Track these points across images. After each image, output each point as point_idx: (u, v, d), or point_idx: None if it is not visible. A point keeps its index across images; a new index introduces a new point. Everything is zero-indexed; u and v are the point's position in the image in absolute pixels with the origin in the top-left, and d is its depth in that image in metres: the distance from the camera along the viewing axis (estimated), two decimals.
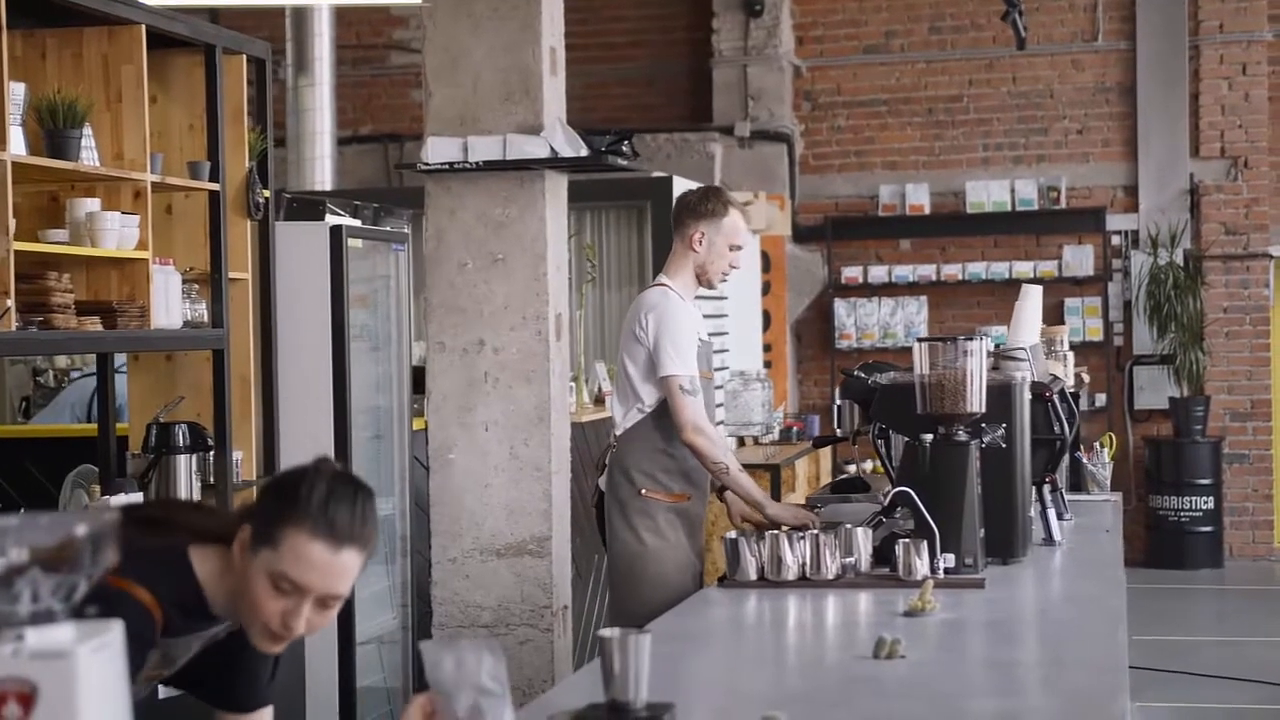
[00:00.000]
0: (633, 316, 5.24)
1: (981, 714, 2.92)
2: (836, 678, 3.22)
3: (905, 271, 12.80)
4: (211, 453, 5.59)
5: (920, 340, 4.46)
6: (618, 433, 5.26)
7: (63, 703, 1.73)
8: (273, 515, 2.57)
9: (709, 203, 5.30)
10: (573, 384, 7.50)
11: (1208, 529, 12.23)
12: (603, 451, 5.44)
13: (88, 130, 4.91)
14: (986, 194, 12.70)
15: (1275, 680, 8.49)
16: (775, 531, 4.33)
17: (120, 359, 6.06)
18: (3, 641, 1.74)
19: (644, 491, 5.16)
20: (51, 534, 1.79)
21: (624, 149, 6.08)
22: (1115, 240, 12.68)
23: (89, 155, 4.92)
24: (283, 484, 2.62)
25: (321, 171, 10.23)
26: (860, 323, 12.89)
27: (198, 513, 2.75)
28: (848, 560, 4.26)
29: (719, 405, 9.90)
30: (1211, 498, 12.21)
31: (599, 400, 8.08)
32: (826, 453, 11.50)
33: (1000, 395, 4.52)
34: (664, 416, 5.14)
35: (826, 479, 10.89)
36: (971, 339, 4.41)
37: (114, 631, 1.81)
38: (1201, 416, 12.24)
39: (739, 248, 5.32)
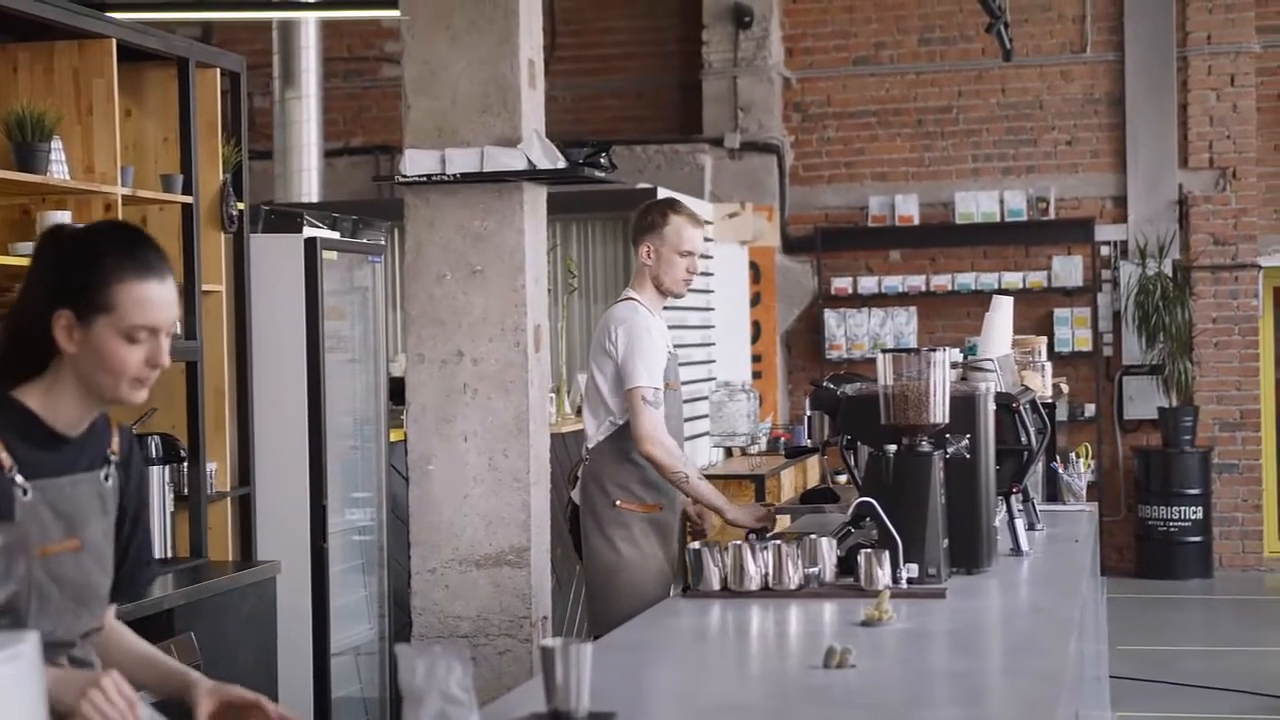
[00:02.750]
0: (602, 331, 5.36)
1: None
2: (785, 687, 3.23)
3: (895, 282, 12.82)
4: (185, 464, 5.60)
5: (884, 351, 4.48)
6: (589, 445, 5.35)
7: None
8: (89, 284, 2.65)
9: (649, 216, 5.49)
10: (553, 395, 7.53)
11: (1197, 539, 12.23)
12: (574, 465, 5.48)
13: (57, 143, 4.93)
14: (976, 205, 12.72)
15: (1262, 691, 8.50)
16: (739, 541, 4.34)
17: None
18: None
19: (618, 503, 5.23)
20: None
21: (602, 161, 6.10)
22: (1104, 251, 12.69)
23: (58, 168, 4.94)
24: (71, 256, 2.68)
25: (308, 184, 10.25)
26: (850, 333, 12.91)
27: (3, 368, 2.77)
28: (811, 570, 4.27)
29: (703, 417, 9.92)
30: (1200, 508, 12.21)
31: (580, 411, 8.08)
32: (814, 463, 11.51)
33: (964, 406, 4.53)
34: None
35: None
36: (935, 350, 4.43)
37: (29, 643, 1.82)
38: (1190, 427, 12.25)
39: (689, 254, 5.43)
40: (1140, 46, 12.61)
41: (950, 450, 4.49)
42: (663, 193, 10.01)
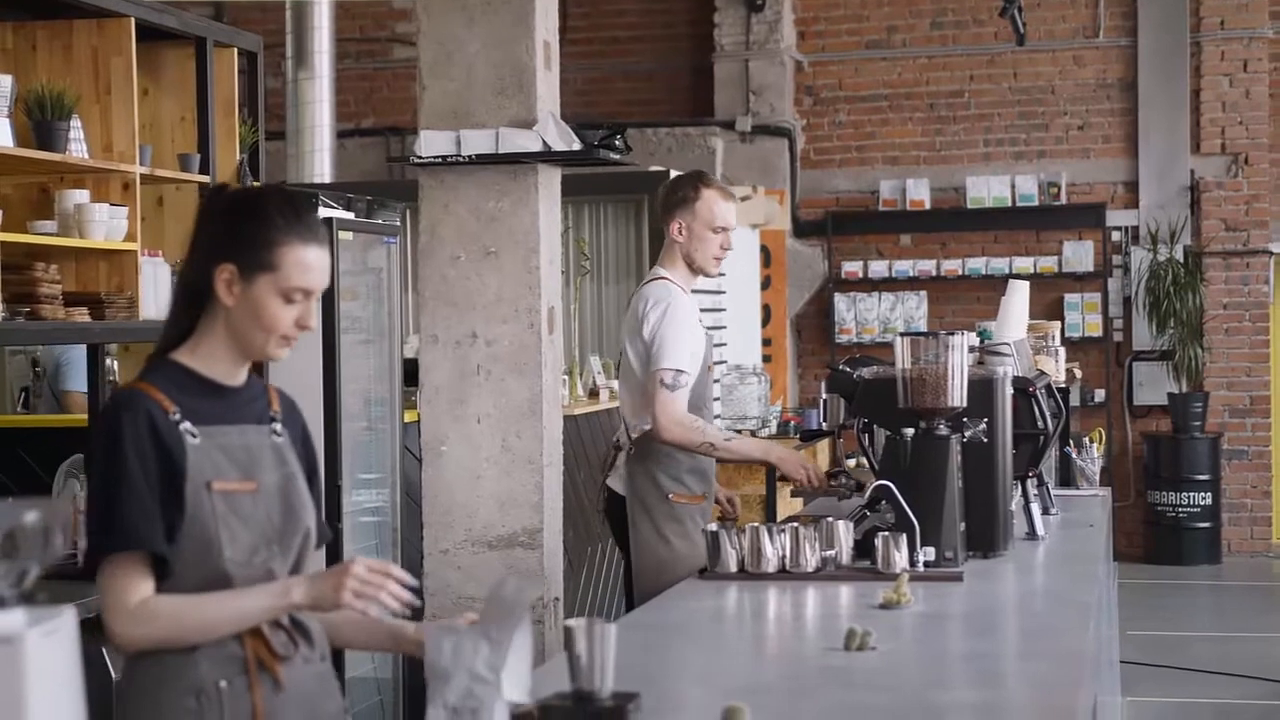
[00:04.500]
0: (635, 313, 5.21)
1: (945, 705, 2.94)
2: (805, 669, 3.24)
3: (905, 267, 12.81)
4: None
5: (902, 335, 4.47)
6: (633, 434, 5.18)
7: (10, 686, 1.74)
8: (256, 245, 2.78)
9: (679, 190, 5.31)
10: (566, 377, 7.53)
11: (1206, 525, 12.23)
12: (609, 453, 5.36)
13: (75, 122, 4.94)
14: (987, 189, 12.71)
15: (1271, 676, 8.50)
16: (756, 524, 4.34)
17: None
18: None
19: (671, 496, 5.12)
20: (1, 522, 1.81)
21: (617, 143, 6.09)
22: (1115, 236, 12.69)
23: (77, 147, 4.94)
24: (242, 215, 2.81)
25: (320, 164, 10.24)
26: (860, 318, 12.91)
27: (165, 334, 2.90)
28: (828, 553, 4.27)
29: (715, 399, 9.92)
30: (1210, 493, 12.22)
31: (593, 393, 8.10)
32: (825, 446, 11.52)
33: (982, 390, 4.53)
34: None
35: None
36: (954, 334, 4.42)
37: (65, 617, 1.83)
38: (1200, 412, 12.25)
39: (722, 229, 5.25)
40: (1153, 32, 12.59)
41: (968, 434, 4.48)
42: (677, 174, 10.01)
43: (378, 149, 13.11)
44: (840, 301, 12.89)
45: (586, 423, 7.50)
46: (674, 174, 9.93)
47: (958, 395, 4.39)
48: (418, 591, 5.86)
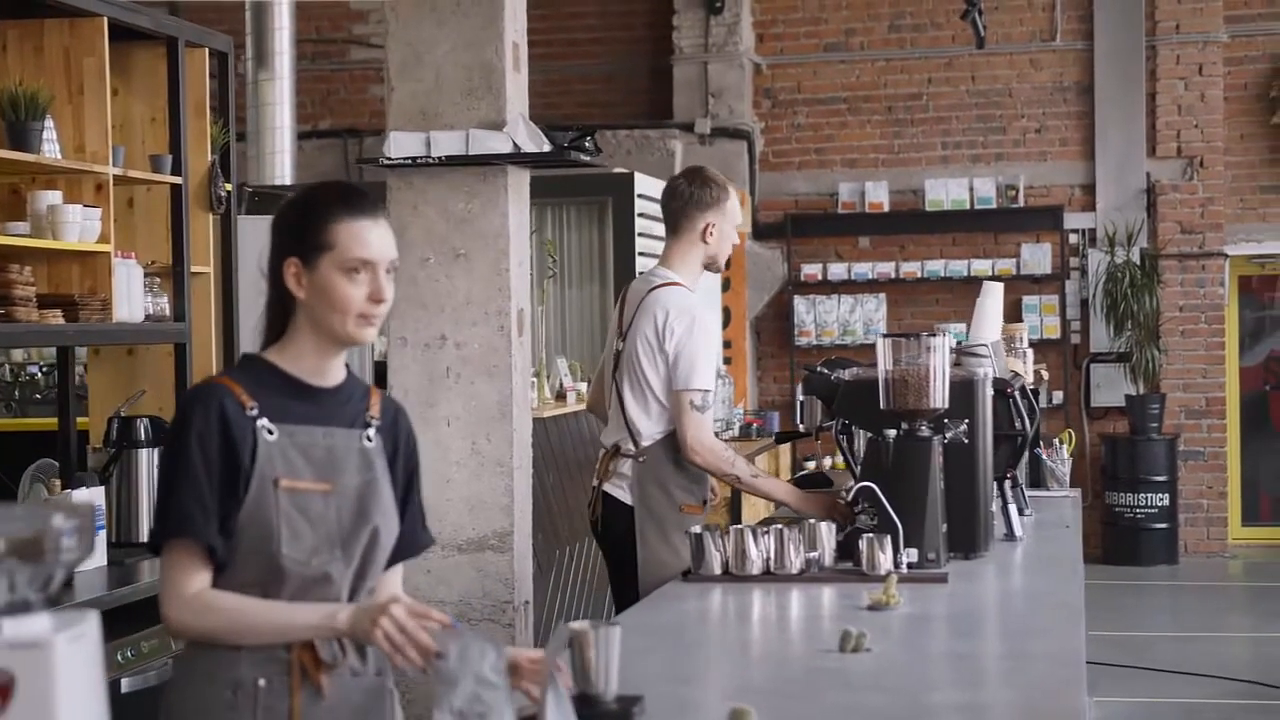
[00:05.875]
0: (652, 320, 4.94)
1: (946, 706, 2.94)
2: (802, 671, 3.24)
3: (864, 269, 12.85)
4: None
5: (884, 336, 4.48)
6: (644, 442, 4.98)
7: (40, 693, 1.72)
8: (312, 230, 2.85)
9: (711, 190, 5.05)
10: (534, 379, 7.50)
11: (1163, 525, 12.32)
12: (604, 456, 5.12)
13: (49, 122, 4.89)
14: (945, 192, 12.76)
15: (1228, 675, 8.57)
16: (740, 526, 4.33)
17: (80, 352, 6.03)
18: None
19: (683, 507, 4.97)
20: (28, 524, 1.78)
21: (587, 145, 6.09)
22: (1073, 239, 12.76)
23: (50, 148, 4.89)
24: (295, 209, 2.91)
25: (281, 166, 10.18)
26: (820, 320, 12.94)
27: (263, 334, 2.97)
28: (811, 555, 4.28)
29: None
30: (1167, 494, 12.31)
31: (560, 396, 8.08)
32: (787, 449, 11.54)
33: (963, 391, 4.54)
34: None
35: (787, 474, 10.92)
36: (935, 335, 4.43)
37: (90, 621, 1.80)
38: (1157, 414, 12.34)
39: (738, 225, 5.14)
40: (1109, 35, 12.67)
41: (949, 435, 4.49)
42: (643, 178, 10.02)
43: (335, 151, 13.06)
44: (800, 304, 12.92)
45: (555, 425, 7.49)
46: (638, 176, 9.97)
47: (940, 397, 4.40)
48: None
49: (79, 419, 5.82)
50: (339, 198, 2.89)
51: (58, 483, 5.45)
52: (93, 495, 4.86)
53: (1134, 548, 12.25)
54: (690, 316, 4.90)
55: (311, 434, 2.86)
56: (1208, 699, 8.17)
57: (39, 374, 9.37)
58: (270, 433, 2.82)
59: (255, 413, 2.82)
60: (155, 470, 5.51)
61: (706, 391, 4.88)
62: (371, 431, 2.92)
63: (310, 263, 2.84)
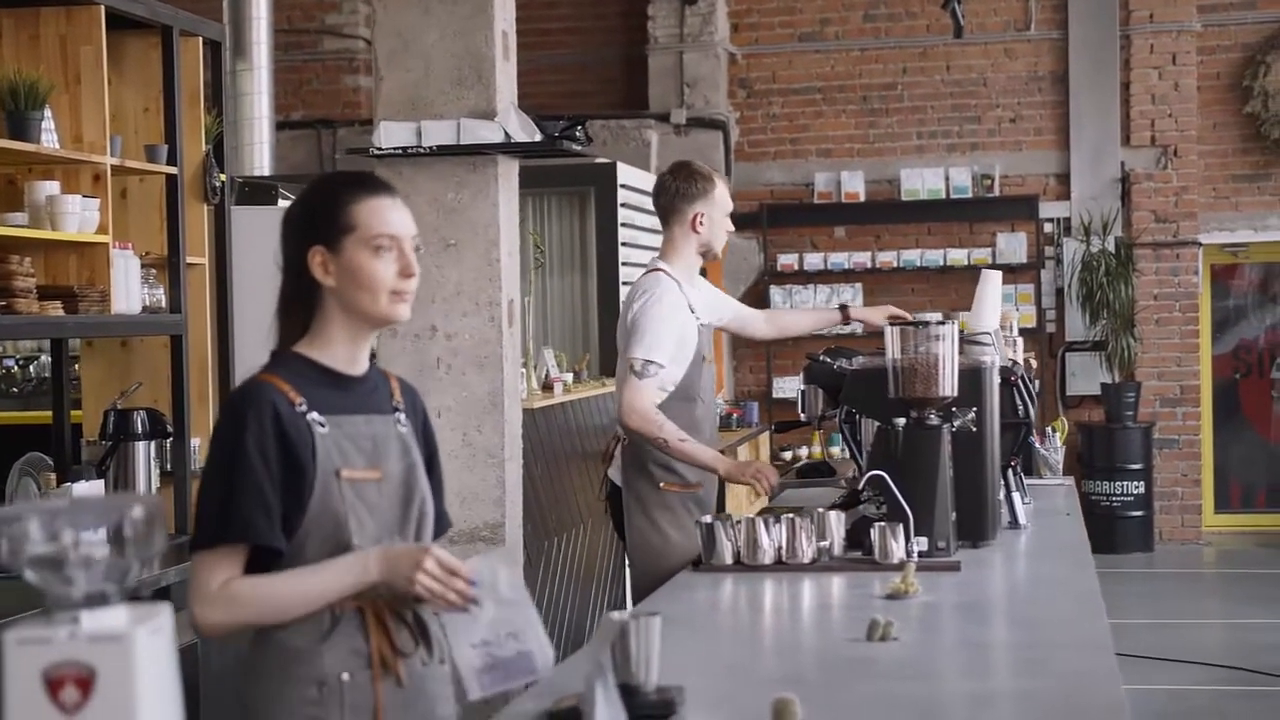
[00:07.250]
0: (625, 304, 5.20)
1: (986, 694, 2.94)
2: (832, 660, 3.23)
3: (841, 259, 12.86)
4: (170, 440, 5.52)
5: (892, 324, 4.47)
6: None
7: (120, 685, 1.71)
8: (332, 215, 2.84)
9: (696, 183, 5.26)
10: (523, 370, 7.48)
11: (1138, 513, 12.37)
12: (610, 443, 5.32)
13: (48, 112, 4.84)
14: (921, 181, 12.77)
15: (1204, 661, 8.61)
16: (751, 516, 4.33)
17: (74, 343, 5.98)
18: (58, 625, 1.72)
19: (662, 485, 5.10)
20: (104, 517, 1.76)
21: (578, 135, 6.07)
22: (1048, 228, 12.79)
23: (49, 138, 4.85)
24: (311, 199, 2.90)
25: (260, 157, 10.10)
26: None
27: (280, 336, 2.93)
28: (822, 544, 4.27)
29: None
30: (1142, 482, 12.36)
31: (548, 386, 8.06)
32: (765, 439, 11.54)
33: (971, 379, 4.54)
34: (675, 406, 5.08)
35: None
36: (943, 323, 4.43)
37: (165, 615, 1.78)
38: (1132, 402, 12.38)
39: (729, 211, 5.34)
40: (1084, 24, 12.70)
41: (957, 423, 4.49)
42: (626, 168, 9.99)
43: (309, 141, 12.98)
44: (776, 294, 12.92)
45: (543, 416, 7.46)
46: (620, 166, 9.95)
47: (949, 385, 4.40)
48: None
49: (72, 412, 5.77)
50: (353, 181, 2.91)
51: (53, 476, 5.41)
52: (93, 489, 4.82)
53: (1110, 536, 12.28)
54: (650, 293, 5.09)
55: (355, 423, 2.85)
56: (1183, 685, 8.21)
57: (15, 367, 9.29)
58: (322, 425, 2.80)
59: (304, 408, 2.80)
60: (166, 466, 5.48)
61: (649, 361, 5.02)
62: (402, 416, 2.93)
63: (335, 248, 2.83)
